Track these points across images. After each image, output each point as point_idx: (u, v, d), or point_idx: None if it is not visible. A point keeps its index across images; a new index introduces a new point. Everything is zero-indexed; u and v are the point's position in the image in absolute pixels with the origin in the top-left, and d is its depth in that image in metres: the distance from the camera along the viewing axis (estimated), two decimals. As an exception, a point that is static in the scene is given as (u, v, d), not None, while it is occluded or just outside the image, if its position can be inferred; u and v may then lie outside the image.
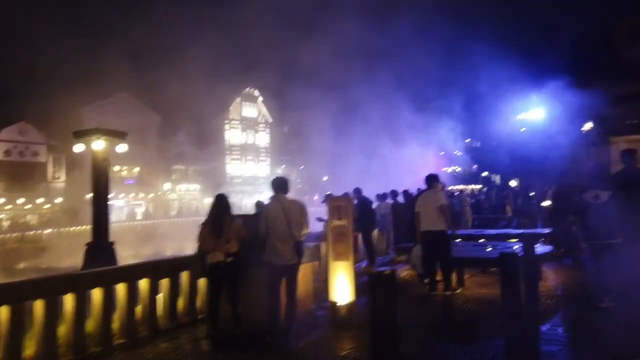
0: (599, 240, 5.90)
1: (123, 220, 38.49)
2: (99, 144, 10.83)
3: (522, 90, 29.90)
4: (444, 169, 55.91)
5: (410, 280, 8.29)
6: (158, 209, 42.62)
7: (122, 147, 12.28)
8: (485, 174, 58.65)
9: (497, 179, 54.90)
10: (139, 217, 39.11)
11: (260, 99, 50.50)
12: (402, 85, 30.59)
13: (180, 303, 6.13)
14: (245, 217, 5.55)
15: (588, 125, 21.31)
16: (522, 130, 32.70)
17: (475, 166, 59.39)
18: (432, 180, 7.12)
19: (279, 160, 54.84)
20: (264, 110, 51.33)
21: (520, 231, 11.16)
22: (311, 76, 32.56)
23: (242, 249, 4.98)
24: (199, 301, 6.15)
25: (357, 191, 10.17)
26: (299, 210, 5.03)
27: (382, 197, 12.08)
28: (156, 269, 5.85)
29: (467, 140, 70.57)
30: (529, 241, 5.59)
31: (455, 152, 57.97)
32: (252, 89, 49.59)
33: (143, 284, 5.71)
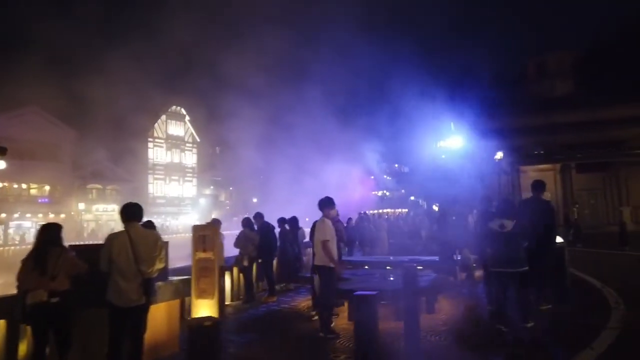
0: (504, 268, 5.84)
1: (29, 243, 35.45)
2: (-35, 159, 9.61)
3: (443, 119, 31.12)
4: (374, 192, 57.07)
5: (307, 312, 7.82)
6: (70, 230, 39.58)
7: (0, 164, 11.06)
8: (412, 198, 60.46)
9: (424, 203, 56.77)
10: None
11: (188, 117, 49.04)
12: (335, 109, 30.89)
13: (22, 349, 5.24)
14: (84, 249, 4.81)
15: (499, 154, 22.31)
16: (442, 157, 33.90)
17: (403, 190, 61.07)
18: (322, 205, 6.29)
19: (208, 181, 53.31)
20: (192, 129, 49.85)
21: (426, 258, 11.04)
22: (242, 97, 32.05)
23: (79, 287, 4.26)
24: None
25: (258, 216, 9.62)
26: (152, 242, 4.40)
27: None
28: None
29: (395, 165, 72.86)
30: (409, 273, 5.29)
31: (384, 177, 59.33)
32: (179, 107, 48.07)
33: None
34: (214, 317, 3.21)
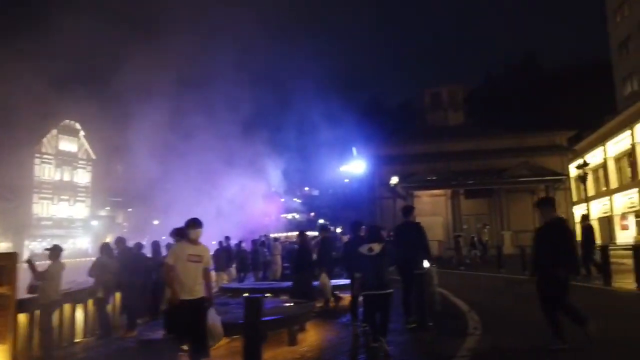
0: (373, 290, 5.80)
1: None
2: None
3: (346, 143, 31.86)
4: (283, 215, 56.88)
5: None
6: None
7: None
8: (321, 221, 61.09)
9: (333, 227, 57.73)
10: None
11: (82, 133, 45.61)
12: (242, 130, 30.15)
13: None
14: None
15: (395, 180, 23.04)
16: (346, 180, 34.61)
17: (312, 213, 61.57)
18: (185, 227, 5.44)
19: (103, 202, 49.70)
20: (87, 145, 46.39)
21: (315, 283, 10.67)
22: (143, 111, 30.27)
23: None
24: None
25: (120, 241, 8.76)
26: None
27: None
28: None
29: (305, 189, 73.40)
30: (251, 304, 4.87)
31: (294, 200, 59.44)
32: (73, 122, 44.58)
33: None
34: None
